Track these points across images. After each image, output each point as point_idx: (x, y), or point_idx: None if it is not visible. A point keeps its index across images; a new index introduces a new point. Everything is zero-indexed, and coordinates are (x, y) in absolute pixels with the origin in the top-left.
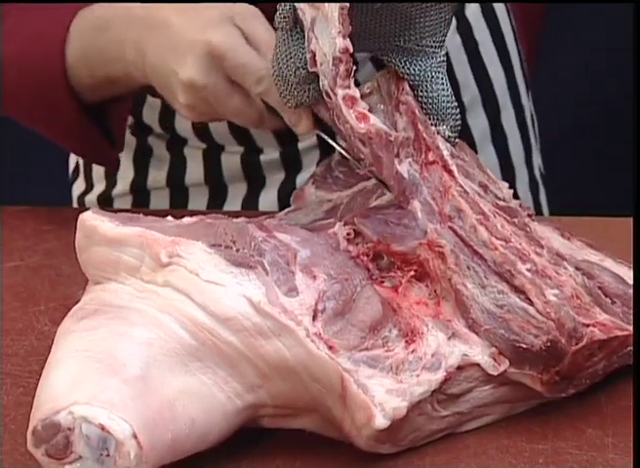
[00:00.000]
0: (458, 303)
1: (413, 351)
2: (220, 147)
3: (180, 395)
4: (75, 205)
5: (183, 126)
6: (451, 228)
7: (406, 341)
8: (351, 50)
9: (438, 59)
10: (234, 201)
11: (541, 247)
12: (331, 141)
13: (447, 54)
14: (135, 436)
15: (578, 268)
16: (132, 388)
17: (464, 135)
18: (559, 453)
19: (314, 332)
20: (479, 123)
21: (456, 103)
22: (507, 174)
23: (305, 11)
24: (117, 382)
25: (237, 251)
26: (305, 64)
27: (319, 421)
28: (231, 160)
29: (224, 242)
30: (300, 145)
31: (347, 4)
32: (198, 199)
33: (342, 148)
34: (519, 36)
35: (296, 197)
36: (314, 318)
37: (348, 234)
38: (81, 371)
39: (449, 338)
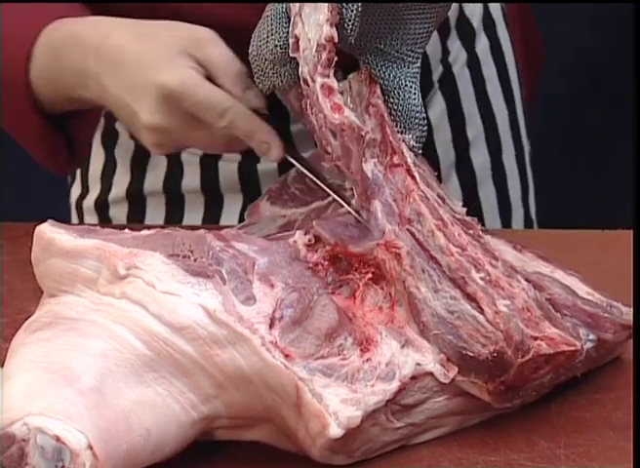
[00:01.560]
0: (410, 306)
1: (367, 360)
2: (217, 154)
3: (135, 406)
4: (73, 209)
5: None
6: (409, 231)
7: (361, 350)
8: (336, 39)
9: (413, 70)
10: (231, 214)
11: (496, 259)
12: (301, 168)
13: (456, 88)
14: (90, 447)
15: (528, 280)
16: (87, 399)
17: (466, 169)
18: (512, 465)
19: (270, 341)
20: (481, 158)
21: (424, 115)
22: (505, 211)
23: None
24: (72, 393)
25: (195, 260)
26: (284, 45)
27: (273, 432)
28: (228, 168)
29: (182, 252)
30: None
31: None
32: (194, 208)
33: (311, 172)
34: (522, 77)
35: (250, 212)
36: (271, 326)
37: (309, 240)
38: (36, 383)
39: (402, 347)
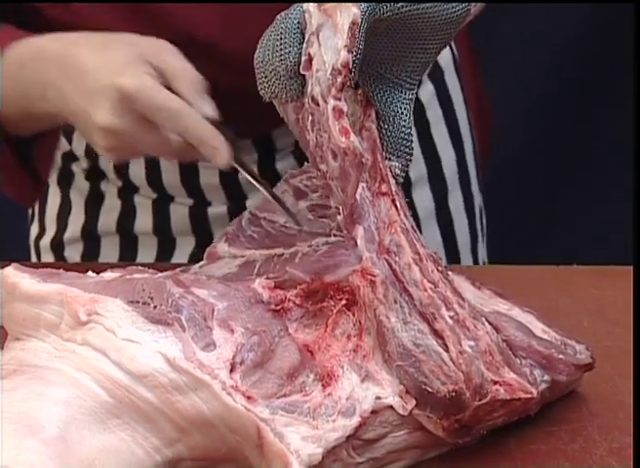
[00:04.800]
0: (378, 334)
1: (329, 394)
2: (169, 198)
3: (99, 453)
4: (32, 248)
5: (137, 173)
6: (387, 261)
7: (322, 385)
8: (351, 66)
9: (409, 96)
10: (182, 255)
11: (463, 299)
12: (250, 179)
13: None
14: None
15: (488, 321)
16: (51, 449)
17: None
18: None
19: (231, 385)
20: (424, 199)
21: (412, 143)
22: (451, 257)
23: (314, 14)
24: (36, 443)
25: (154, 307)
26: (293, 60)
27: None
28: (180, 211)
29: (142, 299)
30: (248, 202)
31: (359, 20)
32: (147, 249)
33: (256, 180)
34: (475, 128)
35: (208, 254)
36: (232, 370)
37: (274, 283)
38: (0, 434)
39: (362, 380)
